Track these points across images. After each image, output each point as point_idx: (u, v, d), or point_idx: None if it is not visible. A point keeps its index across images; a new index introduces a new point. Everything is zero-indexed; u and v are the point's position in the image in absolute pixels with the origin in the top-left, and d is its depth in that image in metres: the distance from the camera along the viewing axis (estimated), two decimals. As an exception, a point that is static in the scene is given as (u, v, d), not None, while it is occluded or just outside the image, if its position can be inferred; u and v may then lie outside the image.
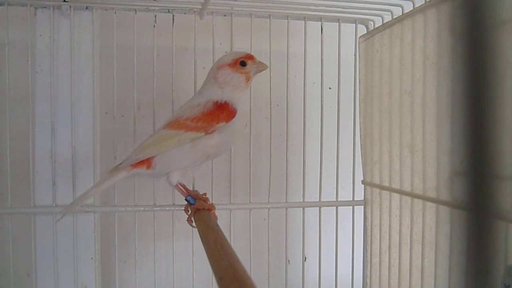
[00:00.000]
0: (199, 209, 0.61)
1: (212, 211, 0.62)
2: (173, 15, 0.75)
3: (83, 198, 0.61)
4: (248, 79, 0.62)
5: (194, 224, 0.59)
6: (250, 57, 0.63)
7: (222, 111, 0.59)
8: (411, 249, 0.66)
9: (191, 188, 0.73)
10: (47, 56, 0.72)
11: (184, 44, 0.82)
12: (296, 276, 0.83)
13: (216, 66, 0.63)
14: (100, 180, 0.62)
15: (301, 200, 0.79)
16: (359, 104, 0.81)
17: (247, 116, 0.66)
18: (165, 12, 0.75)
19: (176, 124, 0.60)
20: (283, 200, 0.79)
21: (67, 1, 0.71)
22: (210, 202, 0.64)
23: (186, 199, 0.63)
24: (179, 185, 0.62)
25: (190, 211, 0.63)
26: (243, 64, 0.62)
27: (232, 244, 0.45)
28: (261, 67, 0.63)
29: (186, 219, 0.63)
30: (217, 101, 0.60)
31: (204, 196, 0.65)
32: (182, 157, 0.60)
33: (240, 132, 0.64)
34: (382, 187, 0.74)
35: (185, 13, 0.76)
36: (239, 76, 0.61)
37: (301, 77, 0.80)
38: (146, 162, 0.60)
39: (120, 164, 0.62)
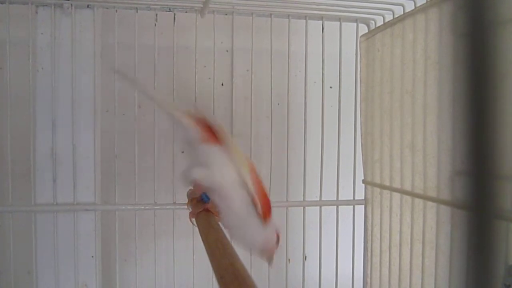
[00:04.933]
0: (208, 210, 0.58)
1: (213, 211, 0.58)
2: (174, 14, 0.75)
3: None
4: None
5: (194, 222, 0.58)
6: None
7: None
8: (411, 248, 0.66)
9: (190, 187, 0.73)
10: (48, 54, 0.72)
11: (185, 43, 0.82)
12: (297, 275, 0.83)
13: None
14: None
15: (302, 199, 0.79)
16: (360, 103, 0.81)
17: None
18: (166, 11, 0.75)
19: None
20: (284, 199, 0.79)
21: (68, 0, 0.71)
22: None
23: (201, 196, 0.59)
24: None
25: (192, 207, 0.59)
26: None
27: (232, 243, 0.45)
28: None
29: (190, 212, 0.59)
30: None
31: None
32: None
33: None
34: (382, 187, 0.74)
35: (186, 12, 0.75)
36: None
37: (302, 76, 0.80)
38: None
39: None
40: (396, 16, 0.72)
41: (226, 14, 0.78)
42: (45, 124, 0.72)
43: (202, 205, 0.59)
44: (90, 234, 0.74)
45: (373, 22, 0.80)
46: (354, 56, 0.81)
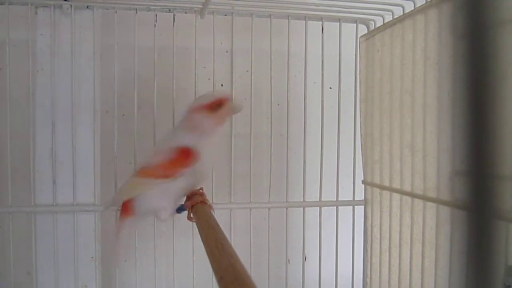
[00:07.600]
0: (193, 204, 0.62)
1: (207, 203, 0.63)
2: (174, 15, 0.75)
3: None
4: (217, 124, 0.61)
5: (193, 218, 0.61)
6: (223, 101, 0.61)
7: (186, 157, 0.60)
8: (411, 249, 0.66)
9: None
10: (47, 55, 0.72)
11: (185, 44, 0.82)
12: (296, 275, 0.83)
13: (188, 109, 0.62)
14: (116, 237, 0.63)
15: (302, 200, 0.79)
16: (360, 104, 0.81)
17: (213, 158, 0.65)
18: (166, 12, 0.75)
19: (146, 172, 0.61)
20: (284, 199, 0.79)
21: (68, 0, 0.71)
22: (206, 196, 0.64)
23: (177, 212, 0.64)
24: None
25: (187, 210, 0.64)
26: (215, 108, 0.60)
27: (232, 244, 0.45)
28: (236, 110, 0.62)
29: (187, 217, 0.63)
30: (182, 147, 0.60)
31: (200, 191, 0.65)
32: (157, 198, 0.61)
33: (207, 172, 0.66)
34: (382, 187, 0.74)
35: (185, 13, 0.76)
36: (208, 121, 0.60)
37: (301, 77, 0.80)
38: (128, 211, 0.61)
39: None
40: (395, 16, 0.72)
41: (225, 15, 0.78)
42: (45, 125, 0.72)
43: (188, 205, 0.63)
44: (90, 235, 0.74)
45: (373, 22, 0.80)
46: (354, 56, 0.81)
